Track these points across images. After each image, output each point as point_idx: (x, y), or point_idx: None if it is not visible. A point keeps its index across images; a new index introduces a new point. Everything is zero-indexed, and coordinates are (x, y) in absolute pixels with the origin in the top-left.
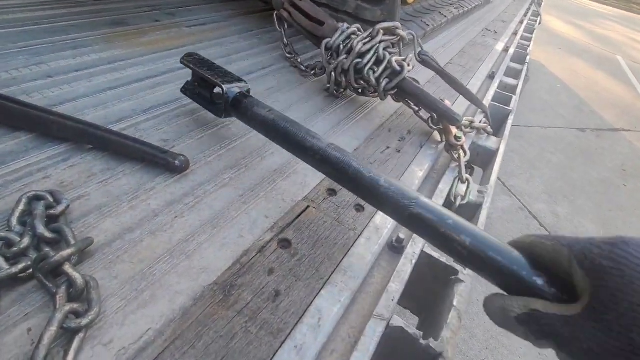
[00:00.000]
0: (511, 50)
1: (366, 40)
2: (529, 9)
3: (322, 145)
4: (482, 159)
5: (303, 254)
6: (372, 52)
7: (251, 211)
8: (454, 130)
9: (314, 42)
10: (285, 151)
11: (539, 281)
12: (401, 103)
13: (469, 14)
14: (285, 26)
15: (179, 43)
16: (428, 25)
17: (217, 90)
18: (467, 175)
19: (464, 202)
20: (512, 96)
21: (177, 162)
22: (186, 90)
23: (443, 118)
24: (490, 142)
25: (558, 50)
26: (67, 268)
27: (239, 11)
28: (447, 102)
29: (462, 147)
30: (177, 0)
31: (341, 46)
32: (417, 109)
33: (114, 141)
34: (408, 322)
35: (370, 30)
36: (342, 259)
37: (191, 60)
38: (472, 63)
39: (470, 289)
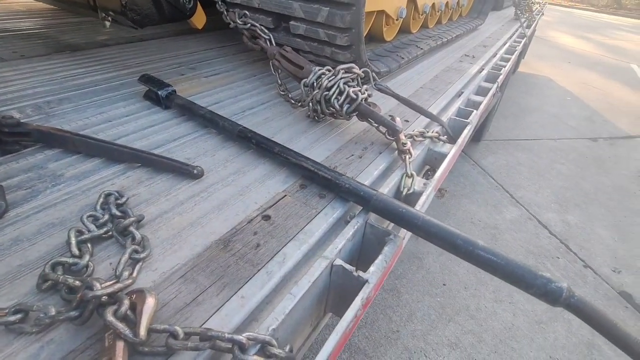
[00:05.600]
0: (484, 72)
1: (331, 78)
2: (515, 32)
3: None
4: (438, 162)
5: (278, 223)
6: (335, 87)
7: (246, 200)
8: (402, 138)
9: (297, 82)
10: (271, 160)
11: None
12: (366, 123)
13: (449, 43)
14: (279, 70)
15: (198, 90)
16: (403, 58)
17: (161, 92)
18: (412, 172)
19: (410, 191)
20: (472, 111)
21: (195, 171)
22: (147, 96)
23: (389, 130)
24: (444, 148)
25: (566, 65)
26: (132, 228)
27: (246, 60)
28: (398, 119)
29: (408, 150)
30: (198, 57)
31: (315, 83)
32: (377, 125)
33: (154, 160)
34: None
35: (334, 70)
36: (305, 225)
37: (144, 79)
38: (442, 86)
39: (398, 246)
